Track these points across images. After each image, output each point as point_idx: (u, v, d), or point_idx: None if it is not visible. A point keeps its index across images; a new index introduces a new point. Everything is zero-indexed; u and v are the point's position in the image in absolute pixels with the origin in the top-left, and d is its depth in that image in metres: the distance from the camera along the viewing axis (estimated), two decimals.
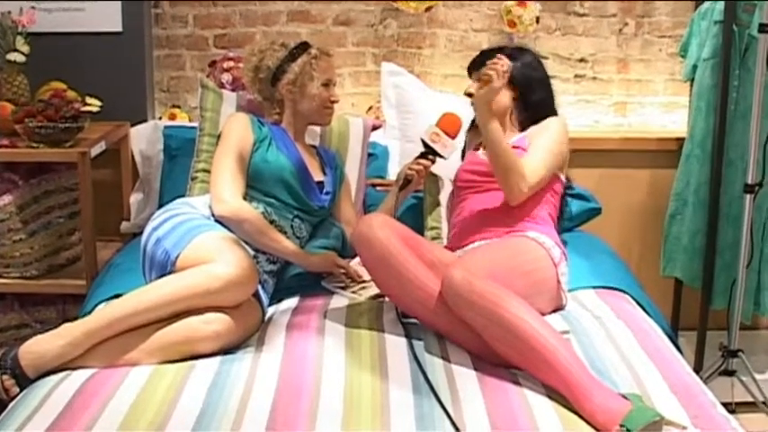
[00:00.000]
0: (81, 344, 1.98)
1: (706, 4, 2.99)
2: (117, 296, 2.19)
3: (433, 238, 2.66)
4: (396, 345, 2.09)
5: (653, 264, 3.24)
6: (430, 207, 2.74)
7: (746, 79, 2.89)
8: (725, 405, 1.88)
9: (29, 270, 2.82)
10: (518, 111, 2.58)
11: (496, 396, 1.83)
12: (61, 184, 2.91)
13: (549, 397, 1.83)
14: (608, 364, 2.00)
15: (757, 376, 2.97)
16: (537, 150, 2.42)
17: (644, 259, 3.30)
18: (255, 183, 2.43)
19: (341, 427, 1.72)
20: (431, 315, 2.10)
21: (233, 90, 2.98)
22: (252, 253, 2.29)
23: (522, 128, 2.58)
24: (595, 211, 2.90)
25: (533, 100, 2.57)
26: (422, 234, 2.60)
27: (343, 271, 2.48)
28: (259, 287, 2.21)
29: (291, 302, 2.38)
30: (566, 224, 2.71)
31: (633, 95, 3.36)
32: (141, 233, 2.33)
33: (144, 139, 3.10)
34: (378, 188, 2.96)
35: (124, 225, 3.11)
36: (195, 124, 2.90)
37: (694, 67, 3.04)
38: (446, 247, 2.50)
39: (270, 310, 2.31)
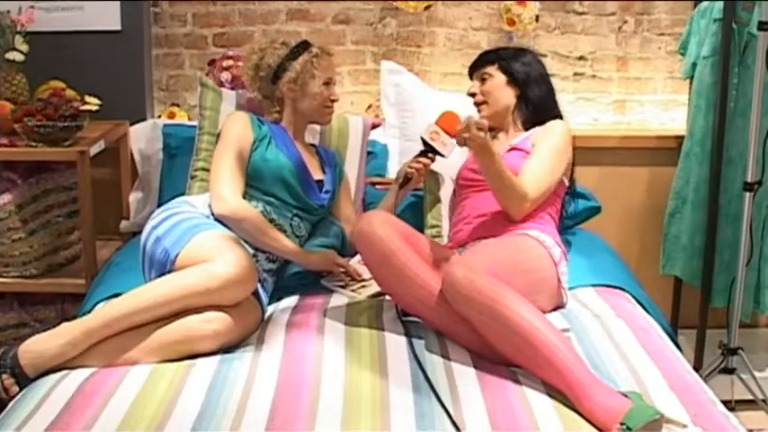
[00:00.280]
0: (80, 343, 1.98)
1: (705, 3, 2.99)
2: (116, 295, 2.19)
3: (434, 237, 2.66)
4: (396, 343, 2.09)
5: (652, 262, 3.23)
6: (430, 205, 2.74)
7: (746, 77, 2.89)
8: (725, 403, 1.88)
9: (28, 269, 2.81)
10: (519, 109, 2.59)
11: (496, 395, 1.83)
12: (60, 183, 2.91)
13: (549, 395, 1.83)
14: (608, 362, 2.00)
15: (757, 374, 2.97)
16: (539, 162, 2.41)
17: (643, 257, 3.30)
18: (255, 181, 2.43)
19: (340, 426, 1.72)
20: (431, 313, 2.10)
21: (232, 89, 2.98)
22: (251, 252, 2.28)
23: (526, 127, 2.58)
24: (595, 210, 2.90)
25: (534, 98, 2.58)
26: (422, 232, 2.60)
27: (342, 270, 2.48)
28: (258, 286, 2.20)
29: (291, 301, 2.38)
30: (566, 222, 2.71)
31: (632, 93, 3.36)
32: (141, 232, 2.32)
33: (143, 137, 3.10)
34: (377, 186, 2.96)
35: (123, 224, 3.11)
36: (194, 123, 2.90)
37: (693, 64, 3.04)
38: (447, 245, 2.50)
39: (269, 309, 2.31)
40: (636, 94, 3.36)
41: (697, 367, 2.98)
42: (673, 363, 2.02)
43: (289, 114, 2.58)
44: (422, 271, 2.10)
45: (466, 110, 2.58)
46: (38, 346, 1.98)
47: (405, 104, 3.11)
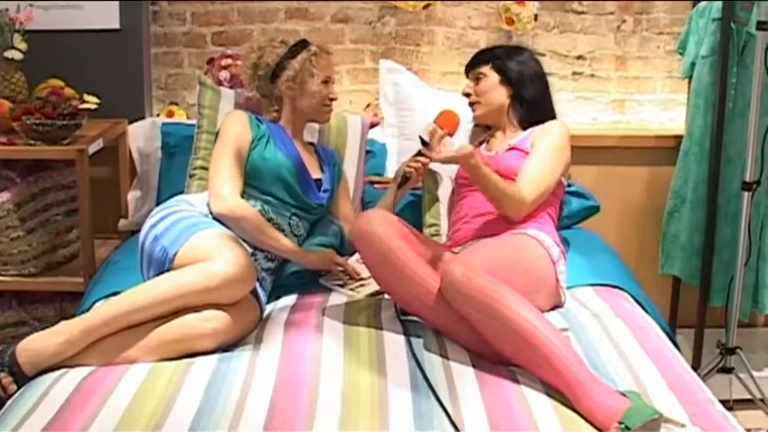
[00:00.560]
0: (79, 341, 1.98)
1: (704, 2, 2.99)
2: (115, 294, 2.20)
3: (432, 236, 2.66)
4: (394, 342, 2.09)
5: (651, 261, 3.24)
6: (429, 204, 2.74)
7: (744, 77, 2.89)
8: (723, 402, 1.88)
9: (26, 267, 2.81)
10: (514, 108, 2.58)
11: (495, 394, 1.83)
12: (59, 181, 2.90)
13: (548, 395, 1.83)
14: (606, 361, 2.00)
15: (755, 373, 2.98)
16: (538, 162, 2.41)
17: (642, 257, 3.30)
18: (253, 180, 2.43)
19: (339, 425, 1.72)
20: (430, 312, 2.09)
21: (231, 87, 2.97)
22: (250, 250, 2.28)
23: (523, 126, 2.58)
24: (594, 209, 2.90)
25: (529, 96, 2.57)
26: (420, 231, 2.60)
27: (341, 268, 2.48)
28: (257, 285, 2.20)
29: (289, 300, 2.38)
30: (564, 222, 2.71)
31: (631, 93, 3.36)
32: (139, 230, 2.32)
33: (142, 136, 3.09)
34: (376, 185, 2.96)
35: (122, 222, 3.10)
36: (193, 122, 2.90)
37: (692, 64, 3.04)
38: (446, 244, 2.50)
39: (268, 308, 2.31)
40: (635, 94, 3.36)
41: (695, 367, 2.98)
42: (671, 362, 2.02)
43: (287, 113, 2.58)
44: (421, 269, 2.10)
45: (464, 109, 2.60)
46: (36, 344, 1.98)
47: (403, 103, 3.11)
